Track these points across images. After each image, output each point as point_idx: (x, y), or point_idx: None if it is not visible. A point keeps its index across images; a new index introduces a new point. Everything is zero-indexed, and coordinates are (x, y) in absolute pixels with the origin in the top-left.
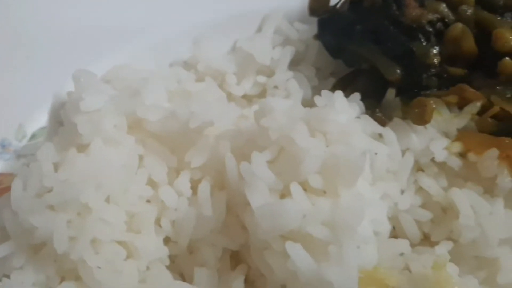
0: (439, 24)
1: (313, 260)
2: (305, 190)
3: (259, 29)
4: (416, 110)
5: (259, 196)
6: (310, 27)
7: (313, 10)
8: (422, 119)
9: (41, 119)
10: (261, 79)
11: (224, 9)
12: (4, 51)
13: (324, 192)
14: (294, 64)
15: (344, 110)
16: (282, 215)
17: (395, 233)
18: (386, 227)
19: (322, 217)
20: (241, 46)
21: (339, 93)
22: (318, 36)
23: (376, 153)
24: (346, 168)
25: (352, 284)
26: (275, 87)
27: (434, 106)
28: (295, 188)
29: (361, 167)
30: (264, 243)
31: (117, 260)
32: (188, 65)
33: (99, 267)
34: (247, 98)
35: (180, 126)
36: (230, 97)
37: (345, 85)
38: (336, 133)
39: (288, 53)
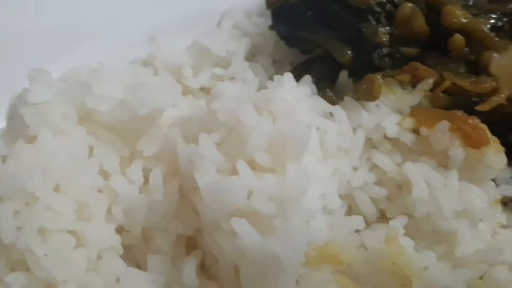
0: (388, 6)
1: (259, 235)
2: (253, 169)
3: (218, 26)
4: (364, 86)
5: (207, 177)
6: (268, 20)
7: (270, 3)
8: (370, 95)
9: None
10: (218, 71)
11: (184, 8)
12: None
13: (272, 169)
14: (251, 56)
15: (292, 90)
16: (229, 192)
17: (351, 212)
18: (337, 203)
19: (268, 193)
20: (198, 40)
21: (288, 75)
22: (272, 26)
23: (325, 131)
24: (292, 143)
25: (298, 257)
26: (232, 78)
27: (381, 81)
28: (241, 165)
29: (305, 141)
30: (214, 224)
31: (65, 249)
32: (146, 63)
33: (46, 255)
34: (205, 91)
35: (131, 115)
36: (187, 90)
37: (300, 71)
38: (283, 111)
39: (243, 44)
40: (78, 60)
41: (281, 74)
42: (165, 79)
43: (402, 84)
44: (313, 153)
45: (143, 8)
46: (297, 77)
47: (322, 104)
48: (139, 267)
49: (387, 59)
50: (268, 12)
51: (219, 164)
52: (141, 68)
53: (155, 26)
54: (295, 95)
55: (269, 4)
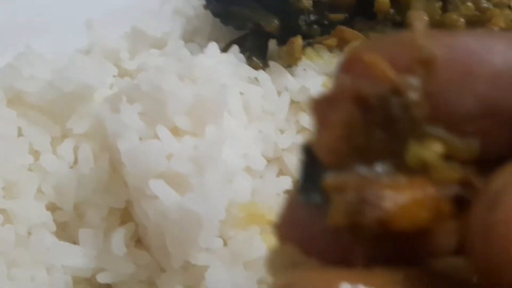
0: None
1: (178, 195)
2: (176, 134)
3: (158, 11)
4: (285, 48)
5: (127, 142)
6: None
7: None
8: (292, 57)
9: None
10: (155, 52)
11: None
12: None
13: (193, 133)
14: (189, 36)
15: (215, 57)
16: (149, 156)
17: (282, 174)
18: (261, 164)
19: (188, 154)
20: (135, 25)
21: (212, 44)
22: (206, 5)
23: (248, 94)
24: (211, 105)
25: (218, 214)
26: (167, 56)
27: (301, 42)
28: (161, 130)
29: (223, 102)
30: (139, 192)
31: None
32: (85, 51)
33: None
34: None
35: (59, 94)
36: (126, 72)
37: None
38: (203, 76)
39: (178, 24)
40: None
41: None
42: (95, 60)
43: (330, 48)
44: (236, 117)
45: None
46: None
47: (246, 70)
48: (74, 243)
49: (315, 26)
50: None
51: (142, 132)
52: (77, 55)
53: (94, 16)
54: (216, 60)
55: None
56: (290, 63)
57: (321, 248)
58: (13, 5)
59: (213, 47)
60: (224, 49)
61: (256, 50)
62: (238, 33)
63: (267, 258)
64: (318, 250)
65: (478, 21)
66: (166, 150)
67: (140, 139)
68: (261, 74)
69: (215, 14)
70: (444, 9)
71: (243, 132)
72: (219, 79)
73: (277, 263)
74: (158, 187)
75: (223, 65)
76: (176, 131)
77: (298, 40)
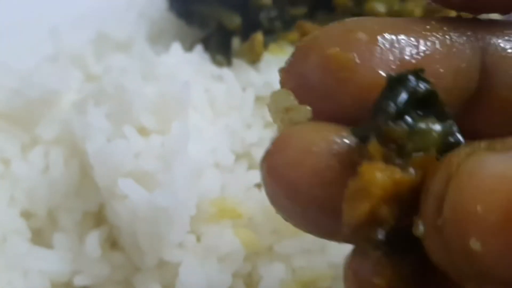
0: None
1: (146, 192)
2: (142, 134)
3: (123, 16)
4: (246, 44)
5: (95, 144)
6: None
7: None
8: (254, 52)
9: None
10: (120, 55)
11: (87, 1)
12: None
13: (160, 131)
14: (154, 38)
15: (177, 56)
16: (116, 156)
17: (251, 168)
18: (229, 158)
19: (154, 152)
20: (100, 30)
21: (175, 44)
22: (170, 7)
23: (213, 91)
24: (174, 102)
25: (187, 209)
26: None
27: (261, 38)
28: (127, 129)
29: (186, 98)
30: (109, 193)
31: None
32: (53, 59)
33: None
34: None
35: (25, 101)
36: (92, 77)
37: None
38: (166, 75)
39: (142, 26)
40: None
41: None
42: (60, 66)
43: (293, 43)
44: (202, 113)
45: (46, 4)
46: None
47: (210, 68)
48: (50, 248)
49: (277, 22)
50: None
51: (109, 133)
52: (43, 63)
53: (58, 21)
54: (178, 59)
55: None
56: (252, 59)
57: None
58: None
59: (176, 47)
60: (189, 49)
61: (220, 49)
62: (203, 33)
63: (269, 100)
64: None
65: (434, 10)
66: (133, 149)
67: (108, 140)
68: (225, 71)
69: (179, 14)
70: (402, 0)
71: (210, 128)
72: (182, 77)
73: (275, 106)
74: (127, 185)
75: (187, 64)
76: (142, 130)
77: (258, 36)
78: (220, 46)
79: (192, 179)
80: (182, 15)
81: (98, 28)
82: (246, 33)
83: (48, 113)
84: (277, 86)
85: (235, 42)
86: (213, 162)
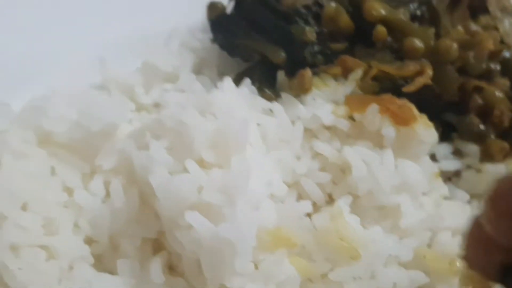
0: (315, 7)
1: (211, 224)
2: (202, 166)
3: (165, 45)
4: (296, 81)
5: (159, 177)
6: (210, 35)
7: (212, 19)
8: (303, 88)
9: None
10: (168, 86)
11: (132, 30)
12: None
13: (218, 164)
14: (198, 69)
15: (230, 91)
16: (180, 189)
17: (301, 198)
18: (283, 189)
19: (216, 185)
20: (147, 59)
21: (227, 79)
22: (214, 39)
23: (265, 125)
24: (233, 138)
25: (250, 240)
26: (181, 90)
27: (311, 74)
28: (189, 163)
29: (245, 134)
30: (172, 223)
31: (38, 262)
32: (101, 87)
33: (21, 269)
34: (158, 106)
35: (86, 133)
36: (141, 107)
37: (243, 77)
38: (223, 111)
39: (188, 57)
40: (35, 90)
41: None
42: (115, 97)
43: (335, 77)
44: (255, 147)
45: (91, 32)
46: (240, 81)
47: (260, 102)
48: (111, 274)
49: (319, 56)
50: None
51: (171, 166)
52: (94, 91)
53: (104, 50)
54: (233, 95)
55: (211, 21)
56: (301, 93)
57: None
58: (24, 42)
59: (227, 82)
60: (235, 81)
61: (265, 80)
62: (245, 63)
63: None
64: None
65: (469, 45)
66: (196, 183)
67: (170, 173)
68: (275, 105)
69: (222, 46)
70: (437, 35)
71: (264, 161)
72: (238, 113)
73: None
74: (193, 218)
75: (239, 98)
76: (201, 163)
77: (308, 73)
78: (265, 79)
79: (252, 211)
80: (225, 47)
81: (142, 57)
82: (289, 66)
83: (106, 144)
84: (324, 119)
85: (280, 75)
86: (269, 193)
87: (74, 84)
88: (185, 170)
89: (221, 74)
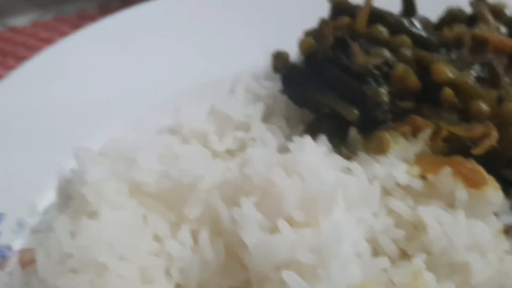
0: (384, 67)
1: (307, 284)
2: (290, 224)
3: (232, 91)
4: (375, 143)
5: (252, 235)
6: (276, 83)
7: (276, 68)
8: (381, 150)
9: (50, 196)
10: (239, 134)
11: (199, 77)
12: (8, 136)
13: (308, 224)
14: (266, 117)
15: (313, 151)
16: (275, 248)
17: (376, 253)
18: (365, 247)
19: (308, 245)
20: (218, 108)
21: (307, 137)
22: (283, 91)
23: (346, 185)
24: (322, 200)
25: None
26: (253, 139)
27: (389, 137)
28: (282, 224)
29: (334, 197)
30: (263, 276)
31: None
32: (173, 131)
33: None
34: (230, 153)
35: (175, 184)
36: (214, 154)
37: (313, 129)
38: (309, 171)
39: (259, 108)
40: (110, 132)
41: (295, 132)
42: (196, 148)
43: (404, 135)
44: (339, 205)
45: (162, 79)
46: (310, 134)
47: (340, 161)
48: None
49: (388, 113)
50: (274, 75)
51: (261, 223)
52: (169, 137)
53: (175, 95)
54: (316, 155)
55: (275, 69)
56: (378, 155)
57: None
58: (92, 87)
59: (308, 141)
60: (305, 132)
61: (333, 133)
62: (308, 112)
63: None
64: None
65: None
66: (288, 242)
67: (261, 229)
68: (354, 165)
69: (292, 98)
70: (499, 98)
71: (348, 220)
72: (325, 174)
73: None
74: (289, 277)
75: (321, 157)
76: (290, 221)
77: (386, 136)
78: (334, 131)
79: (343, 269)
80: (295, 99)
81: (208, 101)
82: (361, 123)
83: (192, 194)
84: (400, 178)
85: (353, 131)
86: (353, 250)
87: (145, 127)
88: (276, 227)
89: (287, 121)
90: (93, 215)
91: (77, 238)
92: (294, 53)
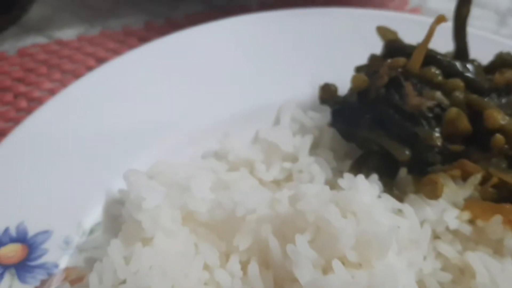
0: (436, 109)
1: None
2: (343, 264)
3: (277, 119)
4: (428, 187)
5: (306, 273)
6: (322, 115)
7: (324, 99)
8: (434, 195)
9: (96, 215)
10: (287, 165)
11: (244, 104)
12: (57, 153)
13: (360, 264)
14: (312, 149)
15: (366, 191)
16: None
17: None
18: None
19: (361, 286)
20: (265, 136)
21: (360, 177)
22: (332, 124)
23: (399, 227)
24: (377, 242)
25: None
26: (300, 171)
27: (442, 182)
28: (336, 264)
29: (389, 241)
30: None
31: None
32: (218, 156)
33: None
34: (276, 183)
35: (227, 214)
36: (261, 182)
37: (360, 165)
38: (364, 212)
39: (307, 140)
40: (156, 154)
41: (342, 166)
42: (244, 176)
43: (453, 178)
44: (391, 247)
45: (206, 104)
46: (357, 169)
47: (392, 202)
48: None
49: (438, 155)
50: (321, 107)
51: (314, 261)
52: (216, 163)
53: (219, 121)
54: (371, 195)
55: (322, 100)
56: (431, 199)
57: None
58: (141, 107)
59: (361, 180)
60: (353, 167)
61: (380, 171)
62: (354, 146)
63: None
64: None
65: None
66: (342, 284)
67: (313, 266)
68: (406, 207)
69: (341, 134)
70: None
71: (400, 264)
72: (378, 216)
73: None
74: None
75: (372, 195)
76: (342, 260)
77: (440, 180)
78: (382, 168)
79: None
80: (343, 133)
81: (253, 129)
82: (411, 164)
83: (243, 224)
84: (450, 224)
85: (403, 172)
86: None
87: (190, 151)
88: (329, 266)
89: (333, 154)
90: (147, 241)
91: (131, 264)
92: (340, 87)
